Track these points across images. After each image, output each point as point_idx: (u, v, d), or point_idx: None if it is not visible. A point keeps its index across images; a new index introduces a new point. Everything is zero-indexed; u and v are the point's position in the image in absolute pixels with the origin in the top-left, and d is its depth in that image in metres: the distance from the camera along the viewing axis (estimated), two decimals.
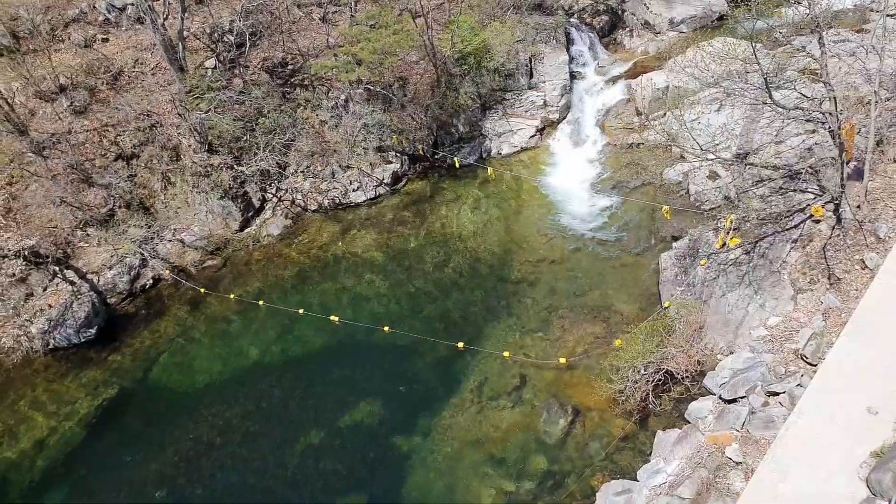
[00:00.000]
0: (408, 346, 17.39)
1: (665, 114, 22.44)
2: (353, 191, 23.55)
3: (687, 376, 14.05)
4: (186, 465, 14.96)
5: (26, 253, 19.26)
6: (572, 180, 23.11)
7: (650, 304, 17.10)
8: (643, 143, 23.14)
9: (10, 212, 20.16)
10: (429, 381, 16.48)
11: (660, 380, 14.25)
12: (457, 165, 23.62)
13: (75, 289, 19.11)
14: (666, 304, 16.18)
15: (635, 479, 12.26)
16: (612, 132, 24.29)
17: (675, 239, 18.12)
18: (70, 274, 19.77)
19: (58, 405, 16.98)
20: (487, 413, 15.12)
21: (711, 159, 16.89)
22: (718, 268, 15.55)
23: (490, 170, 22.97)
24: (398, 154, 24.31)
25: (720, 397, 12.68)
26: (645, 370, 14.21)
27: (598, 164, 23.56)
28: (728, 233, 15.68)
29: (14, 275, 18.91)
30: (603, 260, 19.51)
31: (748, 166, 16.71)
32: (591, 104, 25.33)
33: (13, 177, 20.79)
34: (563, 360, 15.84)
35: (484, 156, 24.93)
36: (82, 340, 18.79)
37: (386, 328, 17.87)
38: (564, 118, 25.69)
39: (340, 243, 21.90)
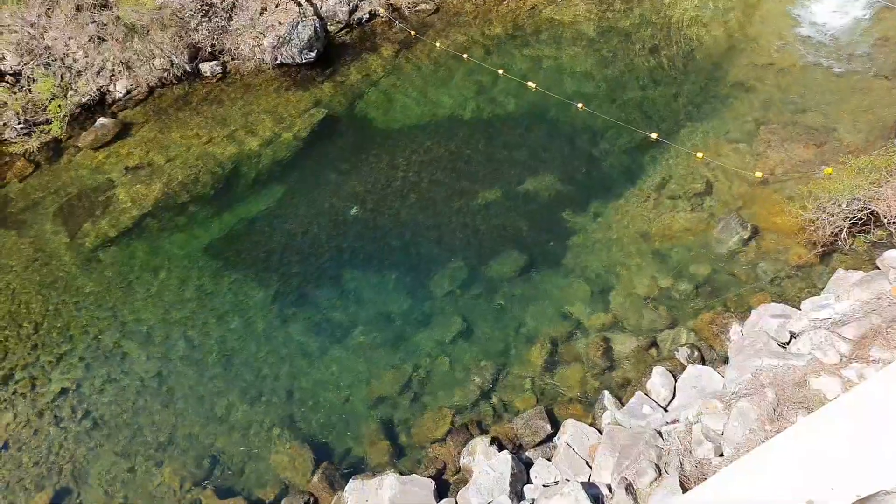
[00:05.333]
0: (598, 128, 17.21)
1: None
2: None
3: (895, 222, 12.84)
4: (377, 191, 16.85)
5: None
6: None
7: (880, 138, 15.10)
8: None
9: None
10: (612, 166, 16.51)
11: (860, 219, 13.17)
12: None
13: (301, 11, 20.43)
14: None
15: (797, 308, 12.12)
16: None
17: None
18: None
19: (280, 116, 19.33)
20: (662, 210, 15.11)
21: None
22: None
23: None
24: None
25: None
26: (847, 205, 13.13)
27: None
28: None
29: None
30: (840, 78, 17.04)
31: None
32: None
33: None
34: (758, 175, 14.97)
35: None
36: (303, 61, 20.59)
37: (580, 105, 17.63)
38: None
39: (551, 8, 20.86)
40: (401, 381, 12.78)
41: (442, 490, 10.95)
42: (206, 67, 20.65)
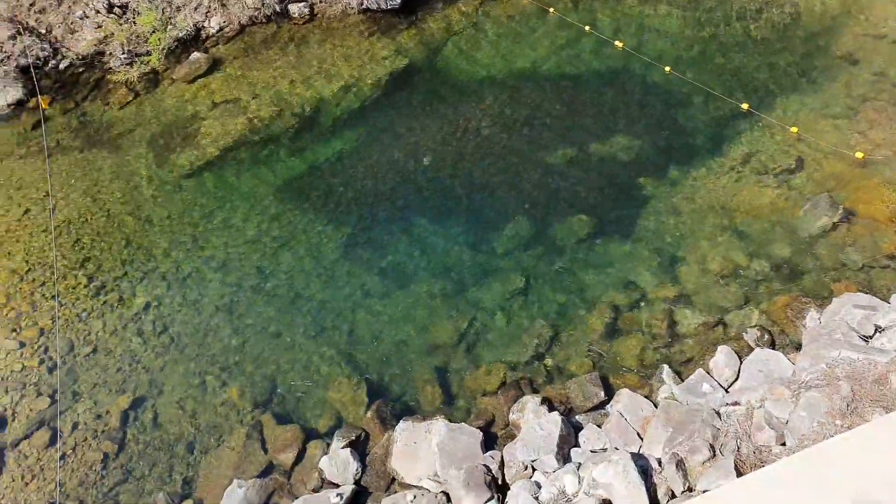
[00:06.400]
0: (684, 93, 16.45)
1: None
2: None
3: None
4: (450, 143, 16.78)
5: None
6: None
7: None
8: None
9: None
10: (696, 134, 15.78)
11: None
12: None
13: None
14: None
15: (886, 301, 11.35)
16: None
17: None
18: None
19: (362, 61, 19.39)
20: (746, 185, 14.37)
21: None
22: None
23: None
24: None
25: None
26: None
27: None
28: None
29: None
30: None
31: None
32: None
33: None
34: (859, 155, 13.95)
35: None
36: (388, 7, 20.47)
37: (667, 68, 16.85)
38: None
39: None
40: (458, 332, 12.91)
41: (489, 442, 11.10)
42: (294, 8, 20.87)
